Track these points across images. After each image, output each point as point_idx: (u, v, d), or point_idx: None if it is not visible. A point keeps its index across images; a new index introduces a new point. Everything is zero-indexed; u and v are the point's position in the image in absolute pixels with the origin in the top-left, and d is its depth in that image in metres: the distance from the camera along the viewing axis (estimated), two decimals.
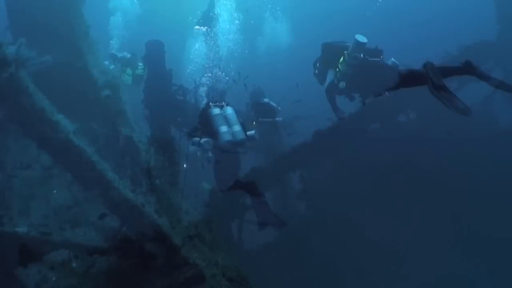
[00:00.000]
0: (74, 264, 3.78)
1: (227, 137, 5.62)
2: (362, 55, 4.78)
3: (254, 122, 10.45)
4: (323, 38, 6.01)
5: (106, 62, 7.21)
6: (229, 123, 5.74)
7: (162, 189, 3.63)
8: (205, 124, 5.84)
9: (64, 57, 5.82)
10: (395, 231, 7.13)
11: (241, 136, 5.73)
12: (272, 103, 10.55)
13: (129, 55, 7.54)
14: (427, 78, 3.83)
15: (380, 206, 7.01)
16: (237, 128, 5.73)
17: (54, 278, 3.62)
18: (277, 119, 10.34)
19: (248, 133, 5.97)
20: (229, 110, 5.89)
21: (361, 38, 4.70)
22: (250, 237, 6.75)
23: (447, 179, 6.93)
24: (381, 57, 4.93)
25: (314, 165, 7.97)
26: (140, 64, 7.55)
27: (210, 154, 5.78)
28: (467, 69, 4.06)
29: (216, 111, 5.80)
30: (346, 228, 7.00)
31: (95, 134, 5.03)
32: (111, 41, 10.11)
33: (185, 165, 10.10)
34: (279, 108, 10.55)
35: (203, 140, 5.60)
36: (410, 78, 4.26)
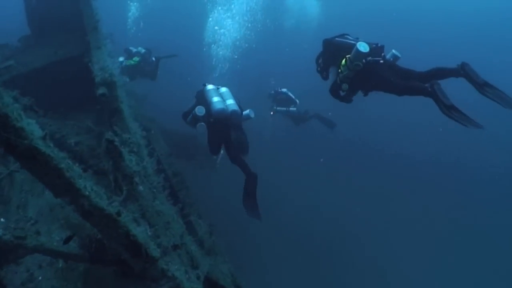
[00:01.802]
0: (60, 265, 3.80)
1: (220, 105, 5.59)
2: (364, 61, 4.55)
3: (272, 112, 10.36)
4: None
5: (121, 58, 7.21)
6: (223, 98, 5.76)
7: (145, 196, 3.50)
8: (200, 102, 5.85)
9: (74, 51, 5.88)
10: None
11: (234, 107, 5.70)
12: (290, 94, 10.41)
13: (143, 50, 7.51)
14: (437, 100, 3.85)
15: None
16: (231, 101, 5.73)
17: (40, 278, 3.66)
18: (291, 109, 10.22)
19: (244, 112, 5.88)
20: (224, 89, 5.91)
21: (363, 48, 4.48)
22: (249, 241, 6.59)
23: None
24: (382, 54, 4.74)
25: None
26: (153, 59, 7.49)
27: (202, 122, 5.70)
28: (461, 72, 4.03)
29: (211, 87, 5.88)
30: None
31: (96, 132, 5.02)
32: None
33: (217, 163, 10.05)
34: (297, 100, 10.32)
35: (197, 108, 5.60)
36: (413, 91, 4.10)
